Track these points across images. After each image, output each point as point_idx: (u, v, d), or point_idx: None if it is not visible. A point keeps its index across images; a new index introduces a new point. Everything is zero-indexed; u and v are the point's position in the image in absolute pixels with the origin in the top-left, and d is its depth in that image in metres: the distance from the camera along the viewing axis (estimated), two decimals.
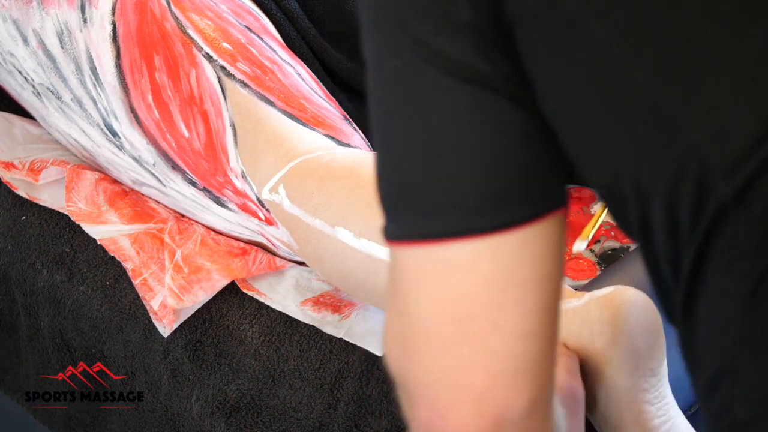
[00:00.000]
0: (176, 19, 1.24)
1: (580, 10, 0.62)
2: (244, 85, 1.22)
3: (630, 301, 0.99)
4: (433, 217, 0.66)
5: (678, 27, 0.60)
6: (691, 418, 1.05)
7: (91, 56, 1.26)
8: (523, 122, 0.66)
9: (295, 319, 1.20)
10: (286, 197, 1.15)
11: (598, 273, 1.28)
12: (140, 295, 1.24)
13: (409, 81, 0.66)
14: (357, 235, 1.09)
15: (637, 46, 0.61)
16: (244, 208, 1.21)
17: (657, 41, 0.61)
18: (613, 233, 1.33)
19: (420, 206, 0.66)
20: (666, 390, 1.00)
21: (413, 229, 0.67)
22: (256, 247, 1.25)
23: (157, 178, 1.27)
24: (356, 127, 1.27)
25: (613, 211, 0.68)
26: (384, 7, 0.67)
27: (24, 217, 1.36)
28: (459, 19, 0.64)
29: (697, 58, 0.60)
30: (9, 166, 1.38)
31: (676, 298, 0.65)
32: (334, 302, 1.21)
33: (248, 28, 1.28)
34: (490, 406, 0.67)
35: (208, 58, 1.22)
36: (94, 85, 1.26)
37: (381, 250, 1.08)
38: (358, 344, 1.17)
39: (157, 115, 1.23)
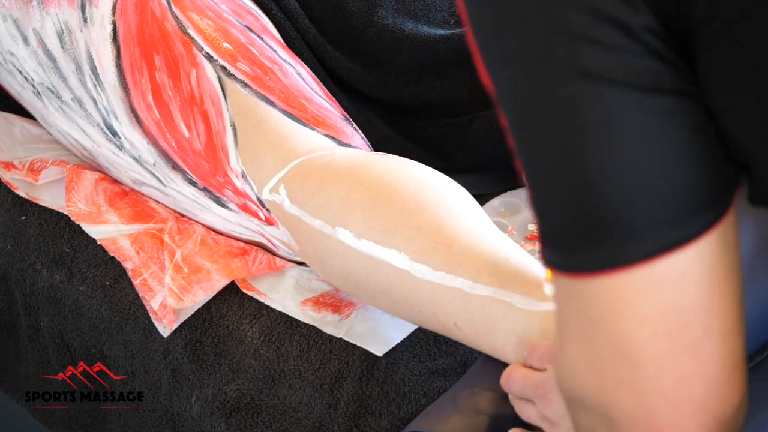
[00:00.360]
0: (176, 18, 1.24)
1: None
2: (245, 85, 1.22)
3: None
4: (635, 238, 0.64)
5: None
6: None
7: (91, 56, 1.26)
8: (703, 117, 0.65)
9: (295, 319, 1.20)
10: (286, 197, 1.15)
11: None
12: (140, 295, 1.24)
13: (589, 104, 0.63)
14: (357, 235, 1.09)
15: None
16: (245, 208, 1.21)
17: None
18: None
19: (618, 231, 0.64)
20: None
21: (613, 256, 0.65)
22: (256, 247, 1.25)
23: (158, 178, 1.27)
24: (356, 127, 1.27)
25: None
26: (539, 27, 0.64)
27: (24, 217, 1.36)
28: (638, 25, 0.62)
29: None
30: (9, 166, 1.38)
31: None
32: (334, 302, 1.21)
33: (248, 28, 1.28)
34: (711, 413, 0.66)
35: (209, 58, 1.22)
36: (95, 85, 1.26)
37: (381, 251, 1.08)
38: (358, 344, 1.17)
39: (158, 115, 1.23)
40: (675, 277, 0.65)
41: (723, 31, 0.63)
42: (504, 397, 1.00)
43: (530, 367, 0.95)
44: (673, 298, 0.65)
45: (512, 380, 0.96)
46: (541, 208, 0.68)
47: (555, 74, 0.64)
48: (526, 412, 0.94)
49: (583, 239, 0.66)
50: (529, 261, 1.06)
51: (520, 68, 0.65)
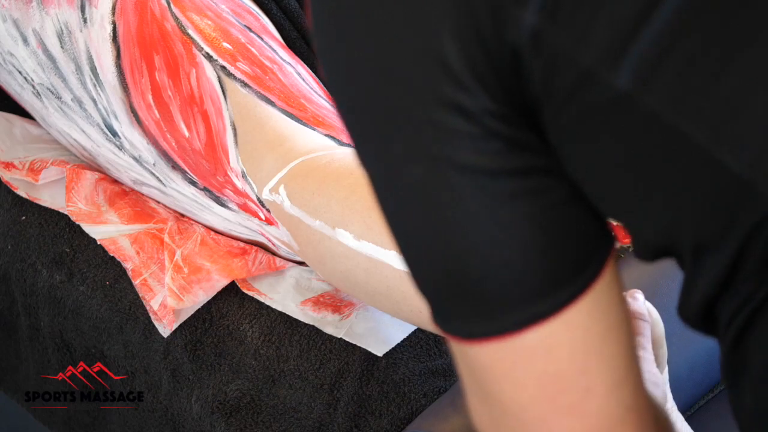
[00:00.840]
0: (176, 18, 1.24)
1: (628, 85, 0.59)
2: (245, 84, 1.21)
3: (631, 306, 0.99)
4: (499, 312, 0.64)
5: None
6: (690, 419, 1.05)
7: (91, 56, 1.26)
8: (562, 189, 0.64)
9: (295, 319, 1.20)
10: (286, 198, 1.15)
11: None
12: (140, 295, 1.24)
13: (438, 187, 0.63)
14: (357, 236, 1.09)
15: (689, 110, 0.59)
16: (245, 208, 1.21)
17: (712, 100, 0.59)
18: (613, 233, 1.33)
19: (482, 305, 0.64)
20: (667, 394, 1.00)
21: (480, 327, 0.65)
22: (256, 247, 1.25)
23: (158, 177, 1.27)
24: None
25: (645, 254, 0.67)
26: (383, 110, 0.63)
27: (24, 217, 1.36)
28: (475, 108, 0.61)
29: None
30: (9, 166, 1.38)
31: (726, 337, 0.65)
32: (334, 302, 1.21)
33: (248, 27, 1.28)
34: None
35: (209, 57, 1.22)
36: (94, 85, 1.26)
37: (381, 252, 1.08)
38: (358, 344, 1.17)
39: (158, 115, 1.23)
40: (545, 346, 0.65)
41: (558, 110, 0.62)
42: None
43: None
44: (546, 366, 0.65)
45: None
46: (416, 277, 0.68)
47: (403, 158, 0.63)
48: None
49: (454, 310, 0.66)
50: None
51: (372, 146, 0.65)
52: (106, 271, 1.29)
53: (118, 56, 1.24)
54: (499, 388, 0.66)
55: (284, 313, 1.21)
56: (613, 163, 0.62)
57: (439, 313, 0.67)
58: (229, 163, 1.20)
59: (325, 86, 1.32)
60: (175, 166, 1.24)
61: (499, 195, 0.63)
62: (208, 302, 1.23)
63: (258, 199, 1.18)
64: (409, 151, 0.63)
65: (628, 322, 0.67)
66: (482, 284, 0.64)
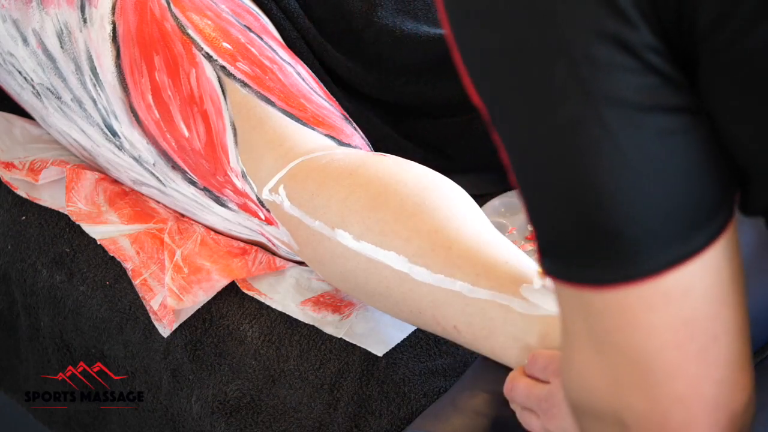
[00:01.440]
0: (176, 18, 1.24)
1: None
2: (244, 84, 1.21)
3: None
4: (642, 254, 0.65)
5: None
6: None
7: (90, 56, 1.26)
8: (703, 132, 0.65)
9: (295, 319, 1.20)
10: (286, 198, 1.15)
11: None
12: (140, 295, 1.24)
13: (590, 125, 0.63)
14: (356, 237, 1.09)
15: None
16: (245, 208, 1.21)
17: None
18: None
19: (625, 247, 0.65)
20: None
21: (622, 271, 0.66)
22: (256, 247, 1.25)
23: (157, 177, 1.27)
24: (356, 126, 1.27)
25: None
26: (536, 49, 0.64)
27: (24, 217, 1.36)
28: (637, 42, 0.62)
29: None
30: (9, 166, 1.38)
31: None
32: (334, 302, 1.21)
33: (248, 27, 1.27)
34: (722, 412, 0.68)
35: (208, 57, 1.22)
36: (94, 85, 1.26)
37: (380, 253, 1.08)
38: (358, 344, 1.17)
39: (157, 115, 1.23)
40: (682, 291, 0.66)
41: (728, 44, 0.63)
42: (504, 399, 1.00)
43: (532, 377, 0.95)
44: (681, 311, 0.66)
45: (516, 390, 0.96)
46: (542, 223, 0.68)
47: (554, 95, 0.64)
48: (530, 423, 0.94)
49: (591, 254, 0.66)
50: (528, 264, 1.06)
51: (516, 91, 0.65)
52: (106, 271, 1.29)
53: (117, 56, 1.24)
54: (626, 337, 0.67)
55: (284, 313, 1.21)
56: None
57: (566, 259, 0.67)
58: (228, 163, 1.20)
59: (325, 86, 1.32)
60: (174, 166, 1.24)
61: (652, 131, 0.63)
62: (208, 302, 1.23)
63: (258, 199, 1.18)
64: (563, 88, 0.63)
65: (743, 278, 0.68)
66: (625, 225, 0.65)
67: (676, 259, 0.65)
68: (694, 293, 0.66)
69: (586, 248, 0.67)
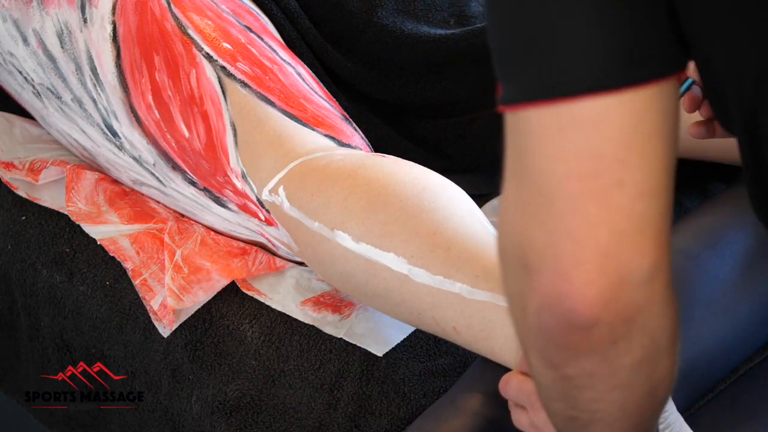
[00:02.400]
0: (176, 19, 1.24)
1: None
2: (245, 85, 1.21)
3: None
4: (562, 73, 0.66)
5: None
6: (690, 419, 1.05)
7: (91, 56, 1.26)
8: None
9: (295, 319, 1.20)
10: (285, 199, 1.15)
11: None
12: (140, 295, 1.24)
13: None
14: (356, 238, 1.09)
15: None
16: (245, 209, 1.21)
17: None
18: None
19: (548, 62, 0.66)
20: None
21: (541, 87, 0.67)
22: (256, 247, 1.25)
23: (157, 178, 1.27)
24: (356, 126, 1.27)
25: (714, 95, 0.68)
26: None
27: (24, 217, 1.36)
28: None
29: None
30: (9, 166, 1.38)
31: None
32: (334, 302, 1.21)
33: (248, 28, 1.27)
34: (615, 265, 0.68)
35: (209, 58, 1.22)
36: (94, 85, 1.26)
37: (380, 254, 1.08)
38: (358, 344, 1.17)
39: (158, 115, 1.23)
40: (594, 120, 0.66)
41: None
42: (503, 399, 1.00)
43: (524, 373, 0.95)
44: (590, 141, 0.67)
45: (509, 387, 0.96)
46: (493, 45, 0.70)
47: None
48: (518, 418, 0.94)
49: (516, 67, 0.68)
50: None
51: None
52: (106, 271, 1.29)
53: (118, 56, 1.24)
54: (537, 159, 0.68)
55: (284, 313, 1.21)
56: None
57: (502, 78, 0.68)
58: (228, 163, 1.20)
59: (325, 86, 1.32)
60: (175, 167, 1.24)
61: None
62: (208, 302, 1.23)
63: (258, 199, 1.19)
64: None
65: (674, 149, 0.69)
66: (552, 43, 0.66)
67: (594, 86, 0.66)
68: (606, 127, 0.66)
69: (518, 65, 0.68)
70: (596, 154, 0.67)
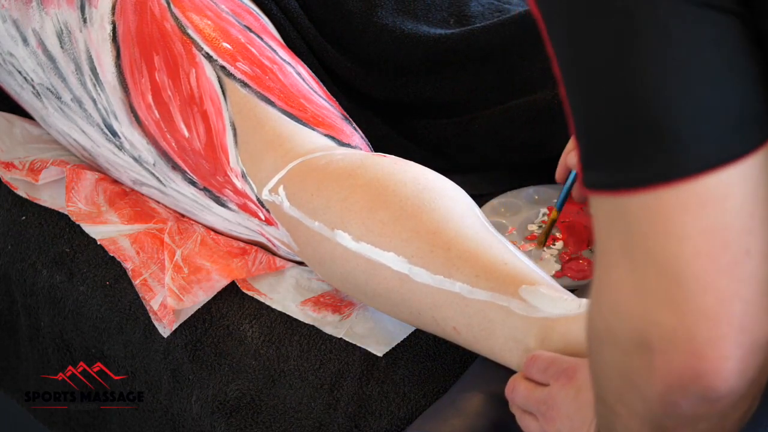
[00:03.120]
0: (176, 18, 1.24)
1: None
2: (244, 84, 1.21)
3: None
4: (683, 153, 0.65)
5: None
6: None
7: (90, 56, 1.26)
8: (752, 41, 0.65)
9: (295, 319, 1.20)
10: (285, 198, 1.15)
11: None
12: (140, 295, 1.24)
13: (639, 16, 0.64)
14: (356, 238, 1.09)
15: None
16: (245, 208, 1.21)
17: None
18: None
19: (666, 145, 0.65)
20: None
21: (661, 170, 0.65)
22: (256, 247, 1.25)
23: (157, 177, 1.27)
24: (356, 126, 1.27)
25: None
26: None
27: (24, 217, 1.36)
28: None
29: None
30: (9, 166, 1.38)
31: None
32: (334, 302, 1.21)
33: (248, 27, 1.27)
34: (748, 335, 0.67)
35: (208, 57, 1.22)
36: (94, 85, 1.26)
37: (380, 254, 1.08)
38: (358, 344, 1.17)
39: (157, 115, 1.23)
40: (719, 195, 0.65)
41: None
42: (504, 399, 1.00)
43: (530, 378, 0.95)
44: (717, 217, 0.66)
45: (516, 392, 0.96)
46: (586, 126, 0.68)
47: None
48: (528, 425, 0.94)
49: (630, 153, 0.66)
50: (527, 265, 1.06)
51: None
52: (106, 271, 1.29)
53: (117, 56, 1.24)
54: (659, 242, 0.66)
55: (284, 313, 1.21)
56: None
57: (605, 164, 0.67)
58: (228, 163, 1.20)
59: (325, 86, 1.32)
60: (174, 166, 1.24)
61: (704, 27, 0.64)
62: (208, 302, 1.23)
63: (258, 199, 1.19)
64: None
65: None
66: (668, 120, 0.64)
67: (715, 161, 0.65)
68: (730, 200, 0.65)
69: (627, 147, 0.66)
70: (723, 227, 0.66)
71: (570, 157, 1.22)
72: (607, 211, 0.69)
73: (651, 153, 0.66)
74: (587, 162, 0.69)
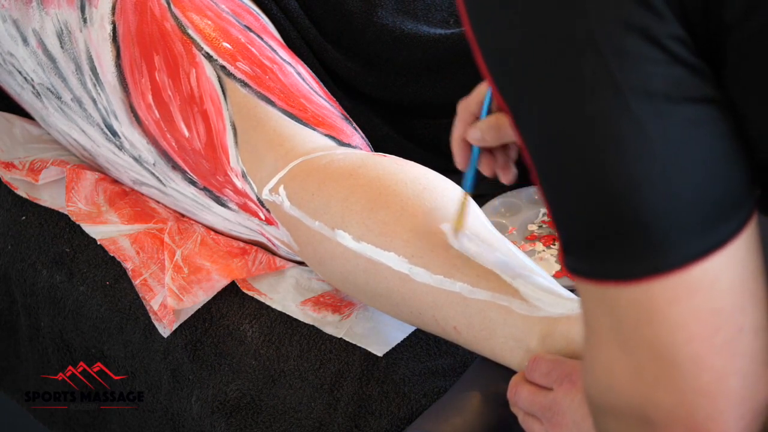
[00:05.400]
0: (176, 18, 1.24)
1: None
2: (244, 84, 1.21)
3: None
4: (668, 247, 0.65)
5: None
6: None
7: (91, 56, 1.26)
8: (727, 123, 0.66)
9: (295, 319, 1.20)
10: (286, 198, 1.15)
11: None
12: (140, 295, 1.24)
13: (617, 116, 0.64)
14: (356, 238, 1.09)
15: None
16: (245, 208, 1.21)
17: None
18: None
19: (650, 240, 0.65)
20: None
21: (648, 264, 0.66)
22: (256, 247, 1.25)
23: (158, 177, 1.27)
24: (356, 126, 1.27)
25: None
26: (563, 44, 0.64)
27: (24, 217, 1.36)
28: (664, 34, 0.63)
29: None
30: (9, 166, 1.38)
31: None
32: (334, 302, 1.21)
33: (248, 27, 1.28)
34: (747, 406, 0.68)
35: (208, 57, 1.22)
36: (94, 85, 1.26)
37: (380, 254, 1.08)
38: (358, 344, 1.17)
39: (158, 115, 1.23)
40: (708, 282, 0.66)
41: (756, 33, 0.63)
42: (504, 399, 1.00)
43: (533, 382, 0.95)
44: (707, 302, 0.66)
45: (519, 396, 0.96)
46: (565, 218, 0.68)
47: (582, 88, 0.64)
48: (532, 428, 0.95)
49: (615, 248, 0.67)
50: (528, 264, 1.06)
51: (542, 84, 0.66)
52: (106, 271, 1.29)
53: (117, 56, 1.24)
54: (652, 331, 0.67)
55: (284, 313, 1.21)
56: None
57: (589, 255, 0.67)
58: (229, 163, 1.20)
59: (325, 86, 1.32)
60: (175, 166, 1.24)
61: (679, 122, 0.64)
62: (208, 302, 1.23)
63: (258, 199, 1.19)
64: (591, 80, 0.63)
65: (765, 272, 0.68)
66: (651, 216, 0.65)
67: (702, 250, 0.65)
68: (719, 285, 0.66)
69: (611, 242, 0.67)
70: (714, 312, 0.66)
71: (472, 131, 1.03)
72: (593, 295, 0.69)
73: (635, 248, 0.66)
74: (567, 248, 0.69)
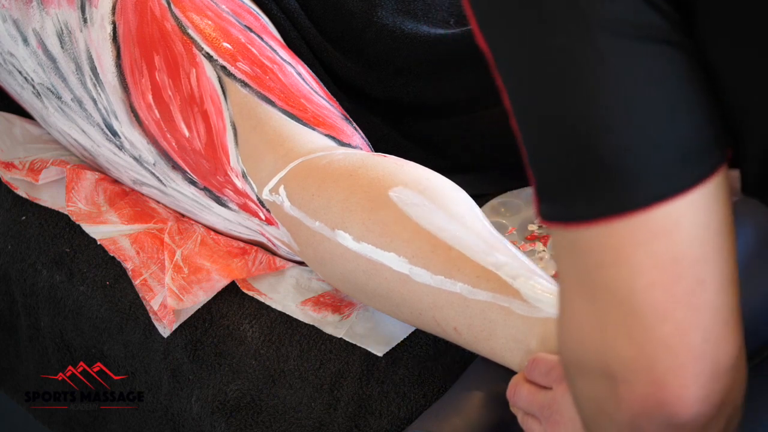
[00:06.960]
0: (176, 18, 1.24)
1: None
2: (245, 84, 1.22)
3: None
4: (631, 187, 0.65)
5: None
6: None
7: (91, 56, 1.26)
8: (698, 72, 0.66)
9: (295, 319, 1.20)
10: (286, 198, 1.15)
11: None
12: (140, 295, 1.24)
13: (583, 52, 0.64)
14: (357, 238, 1.09)
15: None
16: (245, 208, 1.21)
17: None
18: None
19: (614, 179, 0.66)
20: None
21: (610, 204, 0.66)
22: (256, 247, 1.25)
23: (158, 177, 1.27)
24: (356, 126, 1.27)
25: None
26: None
27: (24, 217, 1.36)
28: None
29: None
30: (9, 166, 1.38)
31: None
32: (334, 302, 1.21)
33: (248, 27, 1.28)
34: (708, 362, 0.68)
35: (209, 57, 1.22)
36: (95, 85, 1.26)
37: (381, 254, 1.08)
38: (358, 344, 1.17)
39: (158, 115, 1.23)
40: (669, 227, 0.66)
41: None
42: (504, 399, 1.00)
43: (533, 382, 0.95)
44: (668, 248, 0.66)
45: (518, 395, 0.96)
46: (536, 161, 0.69)
47: (549, 21, 0.65)
48: (531, 427, 0.95)
49: (580, 189, 0.67)
50: (528, 265, 1.06)
51: (512, 22, 0.66)
52: (106, 271, 1.29)
53: (118, 56, 1.24)
54: (614, 275, 0.67)
55: (284, 313, 1.21)
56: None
57: (557, 198, 0.67)
58: (229, 163, 1.20)
59: (325, 86, 1.32)
60: (175, 166, 1.24)
61: (646, 60, 0.64)
62: (208, 302, 1.23)
63: (258, 199, 1.19)
64: (557, 14, 0.64)
65: (733, 231, 0.68)
66: (615, 156, 0.65)
67: (664, 193, 0.65)
68: (681, 231, 0.66)
69: (576, 182, 0.67)
70: (675, 259, 0.66)
71: None
72: (563, 242, 0.69)
73: (599, 188, 0.66)
74: (540, 193, 0.69)
